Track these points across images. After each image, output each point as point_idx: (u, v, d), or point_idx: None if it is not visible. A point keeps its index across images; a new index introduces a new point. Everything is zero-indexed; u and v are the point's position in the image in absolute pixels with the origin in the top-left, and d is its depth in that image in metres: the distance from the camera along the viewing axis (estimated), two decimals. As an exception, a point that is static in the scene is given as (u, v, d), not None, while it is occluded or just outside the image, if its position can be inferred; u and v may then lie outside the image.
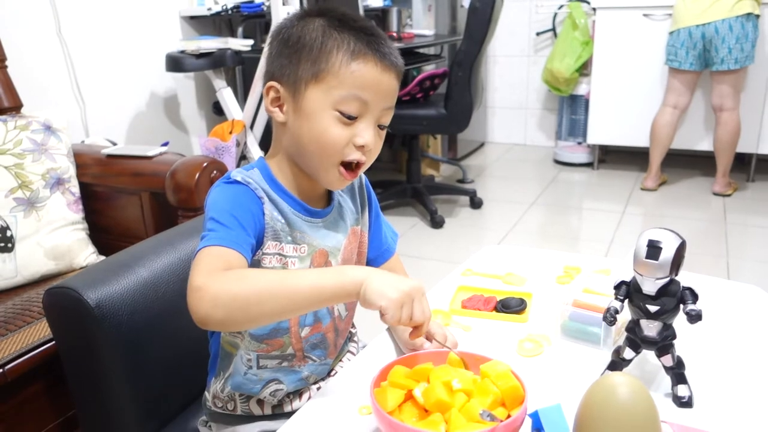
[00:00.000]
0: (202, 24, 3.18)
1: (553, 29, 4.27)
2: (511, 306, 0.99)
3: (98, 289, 0.92)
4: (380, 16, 3.70)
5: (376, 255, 1.00)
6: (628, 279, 0.78)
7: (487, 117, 4.67)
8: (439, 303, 1.03)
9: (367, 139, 0.82)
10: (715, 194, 3.42)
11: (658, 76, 3.55)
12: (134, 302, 0.95)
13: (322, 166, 0.83)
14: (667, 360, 0.76)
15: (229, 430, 0.92)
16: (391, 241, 1.03)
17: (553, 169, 4.07)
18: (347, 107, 0.80)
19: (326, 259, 0.88)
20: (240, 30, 3.08)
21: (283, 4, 2.51)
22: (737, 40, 3.06)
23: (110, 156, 1.80)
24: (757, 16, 3.08)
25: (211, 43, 2.76)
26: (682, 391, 0.75)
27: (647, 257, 0.73)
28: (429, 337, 0.83)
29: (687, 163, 3.93)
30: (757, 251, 2.77)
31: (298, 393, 0.93)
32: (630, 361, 0.79)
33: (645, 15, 3.53)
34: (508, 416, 0.68)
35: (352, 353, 1.02)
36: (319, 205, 0.90)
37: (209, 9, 2.99)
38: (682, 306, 0.74)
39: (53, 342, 1.22)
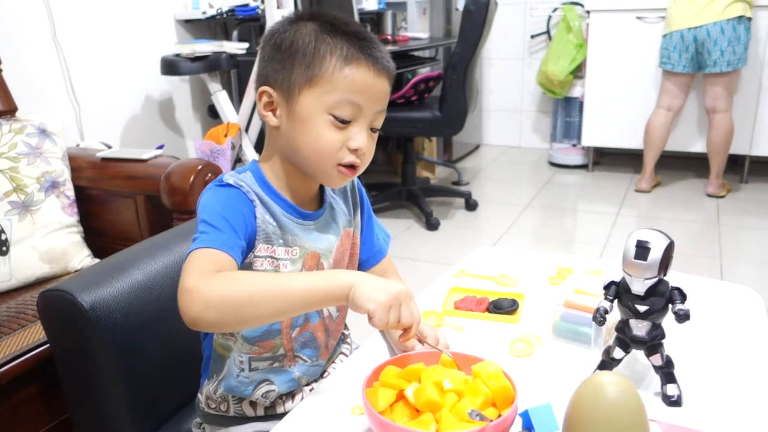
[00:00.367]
0: (197, 27, 3.19)
1: (548, 32, 4.29)
2: (504, 307, 1.00)
3: (93, 292, 0.92)
4: (375, 19, 3.72)
5: (368, 256, 1.01)
6: (617, 279, 0.78)
7: (483, 119, 4.69)
8: (432, 304, 1.04)
9: (360, 143, 0.83)
10: (709, 196, 3.44)
11: (651, 79, 3.57)
12: (128, 305, 0.96)
13: (318, 169, 0.84)
14: (657, 359, 0.76)
15: (223, 431, 0.93)
16: (383, 242, 1.03)
17: (548, 171, 4.08)
18: (341, 111, 0.81)
19: (318, 261, 0.89)
20: (235, 33, 3.09)
21: (278, 8, 2.52)
22: (729, 43, 3.08)
23: (105, 159, 1.80)
24: (749, 19, 3.10)
25: (206, 47, 2.76)
26: (671, 390, 0.76)
27: (636, 258, 0.73)
28: (421, 339, 0.83)
29: (681, 164, 3.95)
30: (750, 252, 2.79)
31: (290, 394, 0.93)
32: (620, 360, 0.79)
33: (638, 18, 3.55)
34: (499, 416, 0.68)
35: (345, 355, 1.02)
36: (312, 207, 0.91)
37: (204, 12, 3.00)
38: (670, 306, 0.75)
39: (47, 345, 1.22)
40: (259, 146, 2.81)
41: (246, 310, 0.73)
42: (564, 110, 4.11)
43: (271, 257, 0.84)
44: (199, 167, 1.63)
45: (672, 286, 0.75)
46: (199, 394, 0.96)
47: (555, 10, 4.20)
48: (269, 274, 0.83)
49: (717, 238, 2.88)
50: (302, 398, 0.92)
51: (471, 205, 3.35)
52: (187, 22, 3.12)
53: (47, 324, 0.98)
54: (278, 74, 0.83)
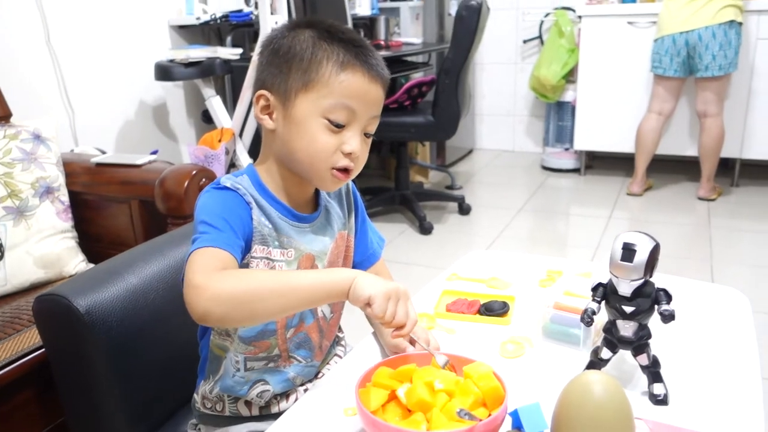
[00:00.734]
0: (191, 33, 3.20)
1: (540, 37, 4.32)
2: (495, 309, 1.01)
3: (88, 296, 0.93)
4: (368, 24, 3.74)
5: (362, 259, 1.02)
6: (605, 281, 0.80)
7: (476, 124, 4.71)
8: (425, 307, 1.05)
9: (354, 147, 0.85)
10: (700, 199, 3.46)
11: (643, 83, 3.60)
12: (124, 309, 0.96)
13: (313, 172, 0.86)
14: (643, 359, 0.78)
15: (218, 431, 0.94)
16: (377, 246, 1.05)
17: (541, 175, 4.11)
18: (335, 115, 0.83)
19: (313, 262, 0.90)
20: (229, 39, 3.10)
21: (272, 14, 2.53)
22: (720, 47, 3.12)
23: (99, 164, 1.81)
24: (740, 24, 3.14)
25: (200, 52, 2.78)
26: (657, 389, 0.78)
27: (622, 260, 0.75)
28: (412, 341, 0.85)
29: (672, 168, 3.98)
30: (741, 255, 2.81)
31: (285, 394, 0.95)
32: (608, 360, 0.81)
33: (629, 23, 3.58)
34: (489, 416, 0.70)
35: (340, 357, 1.04)
36: (307, 210, 0.92)
37: (198, 18, 3.01)
38: (656, 306, 0.76)
39: (43, 349, 1.23)
40: (253, 151, 2.82)
41: (254, 305, 0.75)
42: (556, 114, 4.14)
43: (267, 258, 0.86)
44: (194, 172, 1.64)
45: (658, 287, 0.77)
46: (195, 395, 0.98)
47: (547, 15, 4.24)
48: (274, 271, 0.86)
49: (708, 241, 2.91)
50: (297, 398, 0.94)
51: (464, 209, 3.37)
52: (181, 27, 3.13)
53: (43, 328, 0.99)
54: (275, 79, 0.85)
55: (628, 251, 0.75)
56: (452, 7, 3.99)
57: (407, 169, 3.33)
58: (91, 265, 1.69)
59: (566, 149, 4.11)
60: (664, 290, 0.76)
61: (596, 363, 0.81)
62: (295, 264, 0.88)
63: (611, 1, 3.76)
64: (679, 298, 0.77)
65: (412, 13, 3.93)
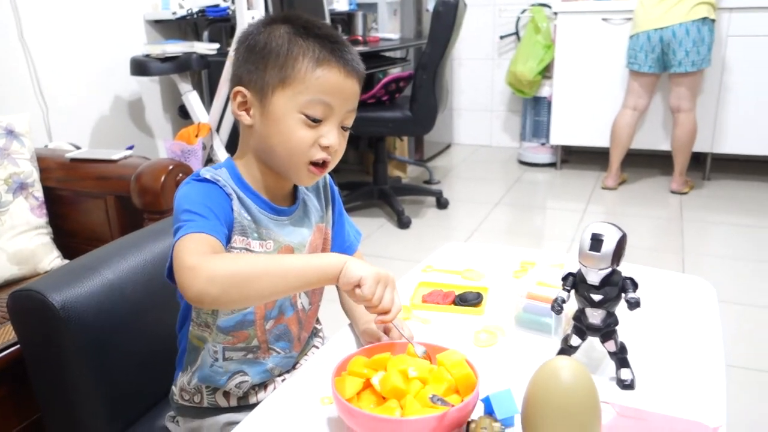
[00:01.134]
0: (167, 28, 3.18)
1: (516, 33, 4.36)
2: (469, 300, 1.03)
3: (63, 291, 0.93)
4: (346, 20, 3.74)
5: (339, 251, 1.03)
6: (575, 271, 0.82)
7: (453, 119, 4.74)
8: (401, 298, 1.06)
9: (332, 141, 0.86)
10: (673, 192, 3.53)
11: (618, 79, 3.66)
12: (100, 304, 0.96)
13: (291, 166, 0.87)
14: (611, 345, 0.80)
15: (196, 423, 0.95)
16: (353, 239, 1.06)
17: (518, 169, 4.15)
18: (312, 111, 0.84)
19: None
20: (205, 34, 3.08)
21: (248, 9, 2.53)
22: (694, 44, 3.17)
23: (74, 160, 1.80)
24: (713, 21, 3.19)
25: (176, 47, 2.76)
26: (624, 374, 0.80)
27: (590, 249, 0.77)
28: (387, 330, 0.86)
29: (646, 162, 4.04)
30: (711, 246, 2.88)
31: (263, 385, 0.96)
32: (577, 347, 0.83)
33: (604, 19, 3.63)
34: (462, 402, 0.71)
35: (317, 347, 1.05)
36: (285, 203, 0.94)
37: (174, 13, 2.99)
38: (623, 294, 0.78)
39: (18, 345, 1.22)
40: (230, 146, 2.81)
41: (251, 285, 0.76)
42: (533, 110, 4.18)
43: (246, 249, 0.87)
44: (170, 167, 1.64)
45: (624, 276, 0.79)
46: (173, 387, 0.98)
47: (524, 11, 4.27)
48: (266, 254, 0.87)
49: (680, 233, 2.97)
50: (274, 389, 0.95)
51: (442, 204, 3.39)
52: (157, 22, 3.11)
53: (17, 324, 0.98)
54: (252, 75, 0.86)
55: (596, 241, 0.77)
56: (429, 3, 4.01)
57: (385, 163, 3.35)
58: (67, 262, 1.68)
59: (542, 144, 4.15)
60: (631, 279, 0.79)
61: (566, 350, 0.83)
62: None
63: (586, -2, 3.80)
64: (648, 288, 0.79)
65: (389, 8, 3.93)
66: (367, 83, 3.17)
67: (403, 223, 3.11)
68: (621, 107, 3.54)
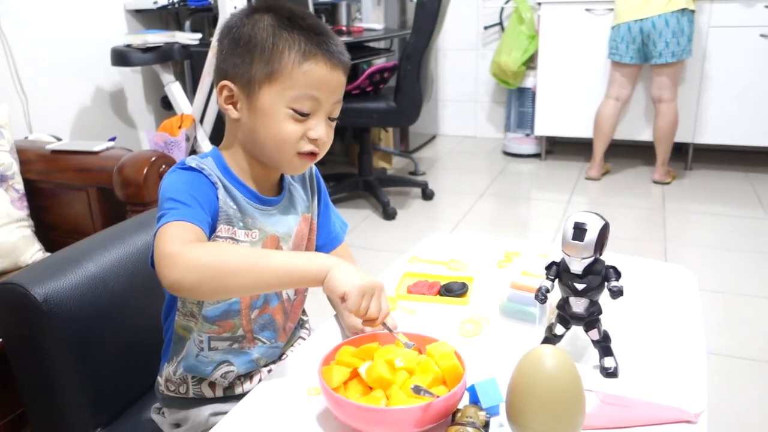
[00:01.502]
0: (149, 17, 3.14)
1: (501, 23, 4.36)
2: (454, 290, 1.04)
3: (45, 284, 0.92)
4: (330, 10, 3.72)
5: (324, 242, 1.03)
6: (558, 260, 0.83)
7: (438, 110, 4.74)
8: (386, 289, 1.07)
9: (320, 133, 0.86)
10: (655, 182, 3.56)
11: (601, 70, 3.67)
12: (82, 296, 0.96)
13: (280, 158, 0.88)
14: (594, 334, 0.81)
15: (182, 413, 0.95)
16: (339, 230, 1.06)
17: (503, 160, 4.16)
18: (300, 105, 0.84)
19: (277, 244, 0.92)
20: (187, 24, 3.05)
21: (231, -2, 2.50)
22: (674, 35, 3.20)
23: (55, 152, 1.78)
24: (693, 11, 3.22)
25: (158, 37, 2.73)
26: (608, 362, 0.81)
27: (573, 239, 0.78)
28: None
29: (628, 153, 4.07)
30: (693, 236, 2.92)
31: (249, 375, 0.96)
32: (561, 336, 0.84)
33: (587, 10, 3.64)
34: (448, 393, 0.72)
35: (304, 339, 1.05)
36: (271, 193, 0.94)
37: (155, 2, 2.95)
38: (606, 283, 0.79)
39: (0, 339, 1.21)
40: (214, 137, 2.79)
41: (228, 278, 0.76)
42: (517, 100, 4.19)
43: (232, 238, 0.87)
44: (153, 159, 1.62)
45: (607, 265, 0.80)
46: (158, 377, 0.98)
47: (507, 1, 4.27)
48: (250, 248, 0.87)
49: (662, 223, 3.00)
50: (260, 379, 0.95)
51: (427, 195, 3.40)
52: (138, 11, 3.07)
53: (-1, 318, 0.98)
54: (238, 69, 0.85)
55: (579, 230, 0.78)
56: (414, -7, 3.99)
57: (370, 155, 3.34)
58: (48, 255, 1.66)
59: (527, 135, 4.17)
60: (614, 267, 0.79)
61: (550, 339, 0.84)
62: (259, 245, 0.89)
63: (570, -12, 3.81)
64: (630, 276, 0.80)
65: (373, -2, 3.91)
66: (352, 74, 3.14)
67: (389, 214, 3.11)
68: (604, 97, 3.56)
